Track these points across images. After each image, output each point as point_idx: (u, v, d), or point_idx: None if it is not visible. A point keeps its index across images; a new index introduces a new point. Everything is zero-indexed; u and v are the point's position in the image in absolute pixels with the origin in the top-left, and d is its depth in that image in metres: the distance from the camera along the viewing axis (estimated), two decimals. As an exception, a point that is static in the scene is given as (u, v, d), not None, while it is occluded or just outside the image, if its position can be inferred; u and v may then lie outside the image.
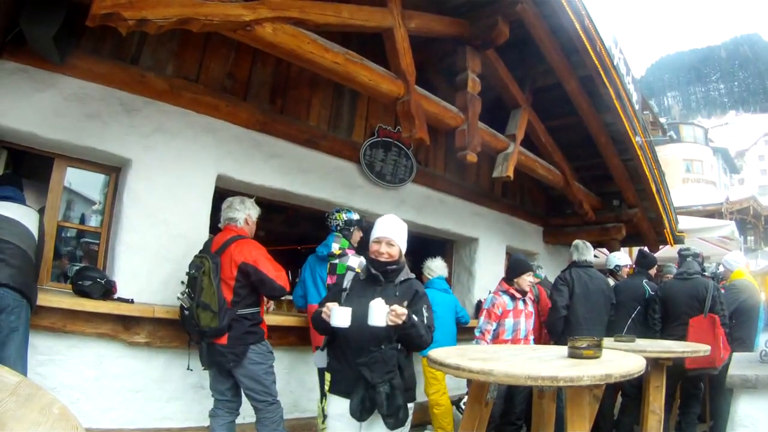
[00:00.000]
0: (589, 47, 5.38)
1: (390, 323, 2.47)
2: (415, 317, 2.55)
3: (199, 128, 4.31)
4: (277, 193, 4.89)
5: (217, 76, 4.51)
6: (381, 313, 2.46)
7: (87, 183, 4.72)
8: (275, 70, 4.88)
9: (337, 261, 4.28)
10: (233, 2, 3.52)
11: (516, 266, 4.48)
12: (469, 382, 3.18)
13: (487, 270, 6.82)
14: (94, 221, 4.62)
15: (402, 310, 2.47)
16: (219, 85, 4.51)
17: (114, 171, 4.22)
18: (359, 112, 5.58)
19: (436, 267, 5.17)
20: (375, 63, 4.30)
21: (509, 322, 4.35)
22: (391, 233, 2.77)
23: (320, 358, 2.95)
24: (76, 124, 3.81)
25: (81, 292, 3.62)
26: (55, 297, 3.53)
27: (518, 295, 4.41)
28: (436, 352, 2.77)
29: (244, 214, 3.64)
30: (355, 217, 4.52)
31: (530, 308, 4.51)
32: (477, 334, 4.34)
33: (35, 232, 3.37)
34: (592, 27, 5.40)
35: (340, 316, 2.51)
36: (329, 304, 2.58)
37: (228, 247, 3.40)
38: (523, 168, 5.92)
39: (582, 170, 7.35)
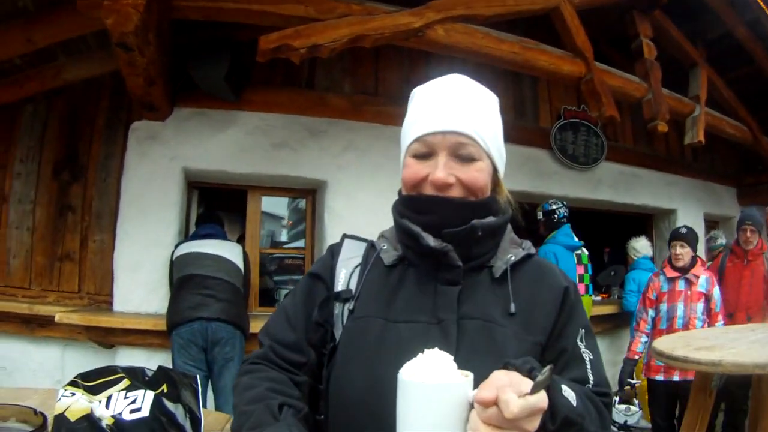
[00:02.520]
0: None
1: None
2: (567, 394, 0.79)
3: (388, 140, 4.29)
4: None
5: (395, 86, 4.52)
6: (448, 408, 0.69)
7: (274, 202, 4.90)
8: (450, 68, 4.79)
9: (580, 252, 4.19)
10: (398, 11, 3.51)
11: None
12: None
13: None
14: (284, 236, 4.79)
15: (521, 406, 0.66)
16: (399, 93, 4.47)
17: (310, 193, 4.35)
18: (541, 96, 5.39)
19: (641, 246, 4.94)
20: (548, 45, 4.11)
21: (663, 307, 3.80)
22: (463, 123, 0.95)
23: None
24: (264, 155, 3.98)
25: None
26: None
27: (675, 274, 3.79)
28: (660, 343, 2.60)
29: None
30: None
31: (698, 288, 3.75)
32: (633, 324, 3.87)
33: (241, 265, 3.55)
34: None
35: None
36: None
37: None
38: (711, 129, 5.41)
39: (766, 121, 6.63)
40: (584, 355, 0.97)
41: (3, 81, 3.90)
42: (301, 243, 4.59)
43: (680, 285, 3.76)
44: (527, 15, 4.14)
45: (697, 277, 3.74)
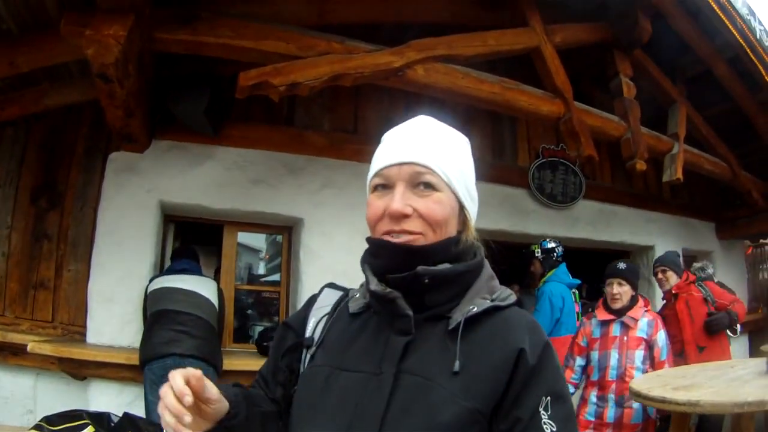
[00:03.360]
0: (728, 24, 4.93)
1: None
2: None
3: (366, 178, 4.34)
4: None
5: (374, 124, 4.55)
6: None
7: (252, 237, 4.90)
8: (430, 107, 4.84)
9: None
10: (379, 50, 3.54)
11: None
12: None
13: (666, 276, 6.35)
14: (262, 268, 4.79)
15: None
16: (378, 132, 4.49)
17: (286, 230, 4.35)
18: (520, 135, 5.45)
19: None
20: (526, 84, 4.15)
21: (594, 355, 3.30)
22: (421, 154, 0.95)
23: None
24: (242, 191, 3.98)
25: (266, 353, 3.73)
26: (240, 360, 3.74)
27: (608, 317, 3.30)
28: (636, 384, 2.59)
29: None
30: None
31: (637, 333, 3.23)
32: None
33: (215, 301, 3.55)
34: (728, 3, 4.95)
35: None
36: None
37: None
38: (689, 166, 5.47)
39: (744, 157, 6.71)
40: (545, 427, 0.84)
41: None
42: (277, 277, 4.59)
43: (614, 330, 3.28)
44: (508, 55, 4.19)
45: (636, 320, 3.24)
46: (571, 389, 3.31)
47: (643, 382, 2.68)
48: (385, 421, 0.83)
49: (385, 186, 0.95)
